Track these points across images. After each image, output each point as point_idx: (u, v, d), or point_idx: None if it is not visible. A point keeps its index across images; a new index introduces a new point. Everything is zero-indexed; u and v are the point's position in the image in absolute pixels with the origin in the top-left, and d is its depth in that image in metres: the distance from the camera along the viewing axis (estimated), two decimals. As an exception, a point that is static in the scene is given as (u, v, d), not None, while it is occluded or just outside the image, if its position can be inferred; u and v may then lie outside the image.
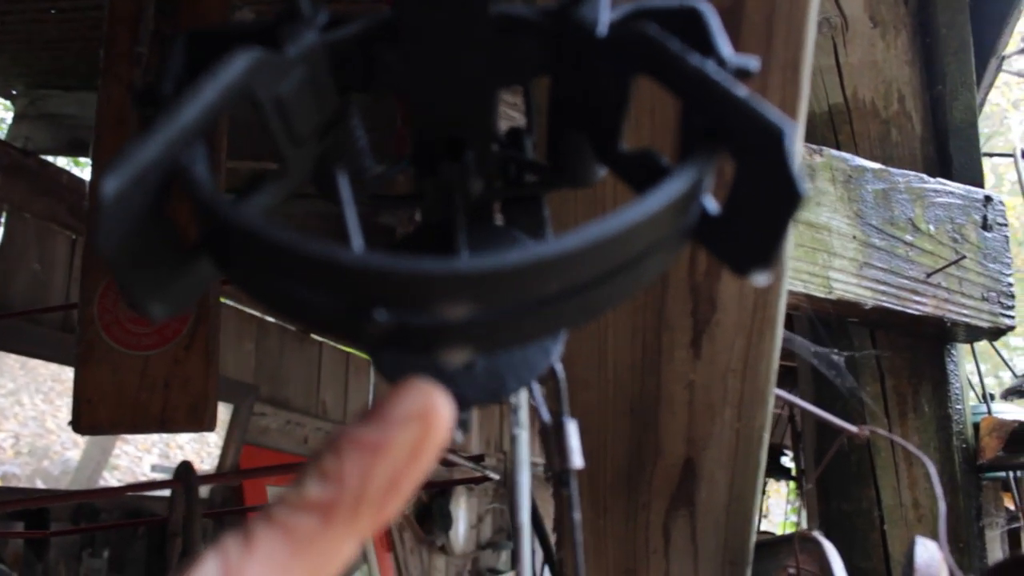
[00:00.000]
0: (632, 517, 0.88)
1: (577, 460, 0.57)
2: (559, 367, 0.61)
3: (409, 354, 0.47)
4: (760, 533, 1.25)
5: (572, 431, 0.59)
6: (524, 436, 0.64)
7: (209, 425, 1.24)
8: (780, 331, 0.77)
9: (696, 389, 0.79)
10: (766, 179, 0.36)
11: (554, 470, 0.57)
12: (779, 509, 4.96)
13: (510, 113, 0.93)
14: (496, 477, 1.13)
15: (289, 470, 1.18)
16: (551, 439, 0.58)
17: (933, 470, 0.81)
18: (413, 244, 0.54)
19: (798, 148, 0.78)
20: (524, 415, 0.64)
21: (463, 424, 0.61)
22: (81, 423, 1.20)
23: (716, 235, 0.40)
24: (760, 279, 0.40)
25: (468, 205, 0.54)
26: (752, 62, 0.43)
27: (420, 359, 0.47)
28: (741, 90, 0.37)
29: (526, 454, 0.64)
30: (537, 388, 0.61)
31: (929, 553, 0.81)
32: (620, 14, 0.45)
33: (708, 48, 0.43)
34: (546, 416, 0.60)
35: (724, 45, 0.42)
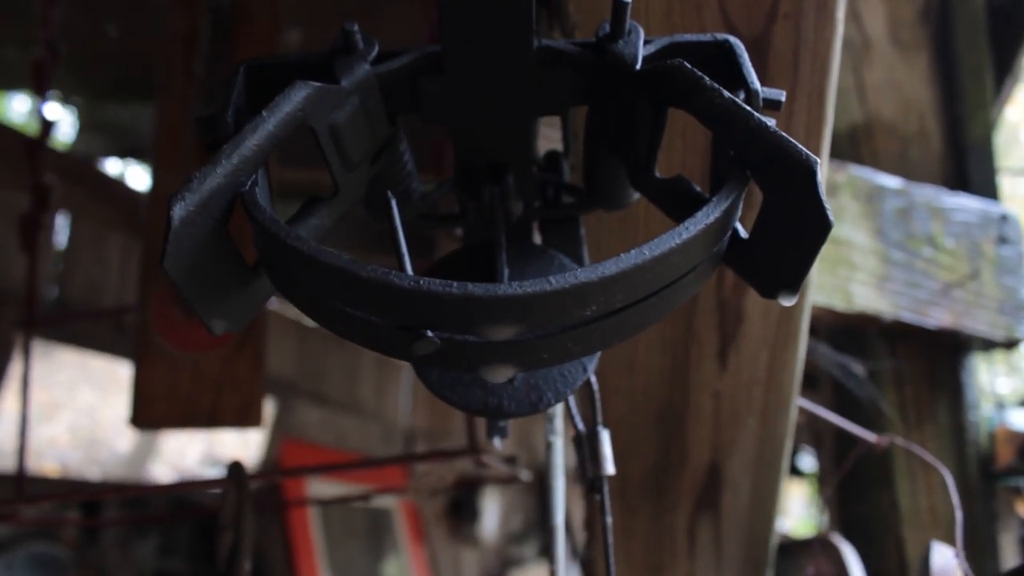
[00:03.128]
0: (659, 519, 0.94)
1: (609, 467, 0.64)
2: (594, 379, 0.67)
3: (454, 371, 0.53)
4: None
5: (605, 439, 0.65)
6: (559, 443, 0.70)
7: (257, 422, 1.31)
8: (804, 344, 0.83)
9: (722, 398, 0.85)
10: (795, 208, 0.42)
11: (587, 476, 0.63)
12: (796, 508, 4.98)
13: (546, 131, 0.99)
14: (527, 477, 1.19)
15: (332, 469, 1.25)
16: (585, 446, 0.65)
17: (950, 479, 0.86)
18: (457, 263, 0.60)
19: (824, 167, 0.83)
20: (559, 423, 0.71)
21: (501, 431, 0.67)
22: (138, 419, 1.28)
23: (745, 258, 0.45)
24: (787, 301, 0.46)
25: (509, 226, 0.59)
26: (780, 94, 0.48)
27: (466, 374, 0.53)
28: (772, 124, 0.42)
29: (561, 460, 0.70)
30: (572, 398, 0.68)
31: (944, 559, 0.86)
32: (655, 48, 0.50)
33: (739, 80, 0.48)
34: (581, 425, 0.67)
35: (753, 78, 0.48)
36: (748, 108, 0.43)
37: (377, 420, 3.93)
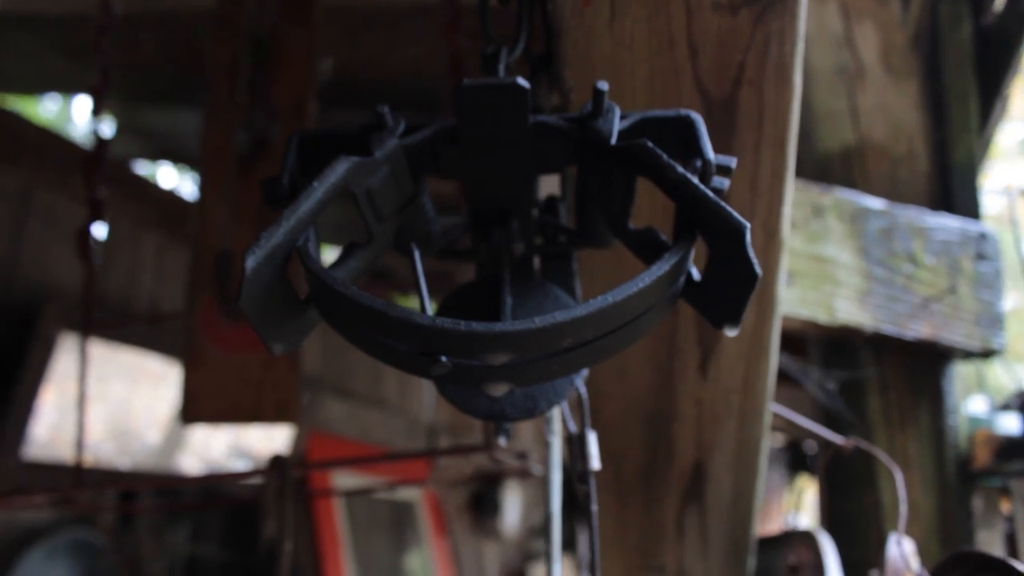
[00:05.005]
0: (650, 510, 1.05)
1: (595, 463, 0.75)
2: (583, 389, 0.79)
3: (464, 386, 0.65)
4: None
5: (592, 440, 0.76)
6: (556, 442, 0.82)
7: (294, 418, 1.44)
8: (775, 356, 0.93)
9: (704, 404, 0.96)
10: (732, 261, 0.53)
11: (576, 471, 0.74)
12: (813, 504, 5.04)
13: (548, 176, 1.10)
14: (540, 472, 1.30)
15: (361, 461, 1.37)
16: (575, 446, 0.76)
17: (900, 478, 0.97)
18: (470, 293, 0.72)
19: (787, 206, 0.92)
20: (557, 425, 0.82)
21: (505, 432, 0.79)
22: (187, 415, 1.41)
23: (698, 295, 0.57)
24: (730, 332, 0.57)
25: (513, 262, 0.71)
26: (731, 161, 0.59)
27: (473, 389, 0.65)
28: (712, 195, 0.53)
29: (558, 456, 0.82)
30: (565, 405, 0.79)
31: (900, 548, 0.97)
32: (629, 122, 0.61)
33: (697, 150, 0.59)
34: (572, 427, 0.78)
35: (708, 149, 0.59)
36: (695, 182, 0.54)
37: (401, 414, 4.05)
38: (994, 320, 1.32)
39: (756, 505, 1.03)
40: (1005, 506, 1.55)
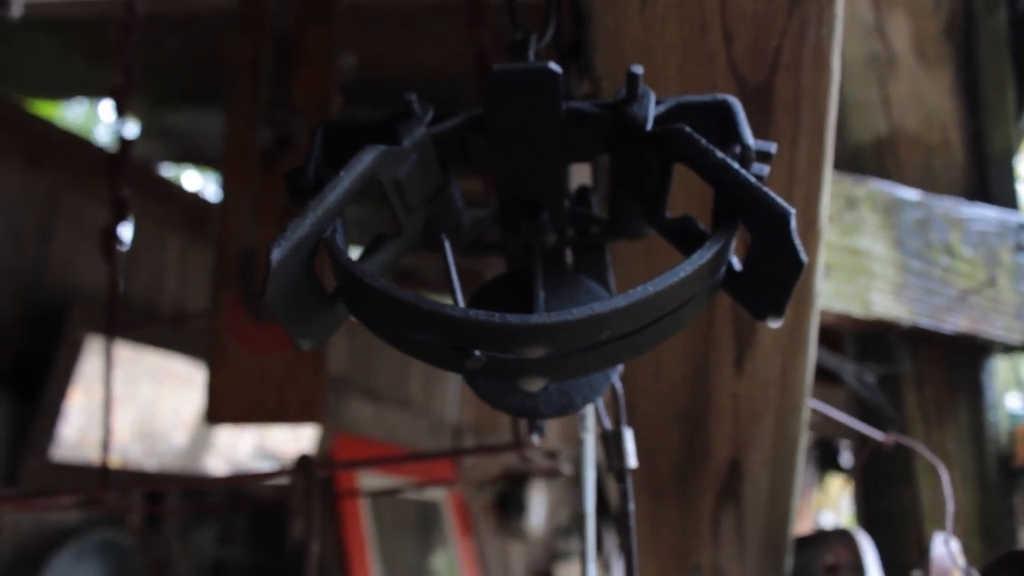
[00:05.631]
0: (685, 508, 1.02)
1: (632, 461, 0.73)
2: (619, 385, 0.77)
3: (498, 381, 0.63)
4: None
5: (628, 437, 0.74)
6: (590, 439, 0.80)
7: (319, 418, 1.42)
8: (813, 350, 0.91)
9: (740, 400, 0.94)
10: (775, 248, 0.50)
11: (612, 469, 0.72)
12: (844, 503, 5.01)
13: (579, 165, 1.08)
14: (569, 471, 1.28)
15: (388, 462, 1.35)
16: (611, 443, 0.74)
17: (946, 477, 0.94)
18: (501, 286, 0.70)
19: (826, 196, 0.91)
20: (591, 422, 0.80)
21: (539, 430, 0.77)
22: (212, 415, 1.40)
23: (739, 286, 0.55)
24: (773, 324, 0.54)
25: (544, 255, 0.69)
26: (771, 146, 0.57)
27: (506, 384, 0.63)
28: (753, 179, 0.51)
29: (592, 454, 0.80)
30: (600, 401, 0.77)
31: (945, 548, 0.94)
32: (665, 108, 0.59)
33: (736, 136, 0.57)
34: (607, 424, 0.76)
35: (747, 134, 0.57)
36: (736, 167, 0.52)
37: (426, 415, 4.04)
38: (1035, 313, 1.29)
39: (794, 503, 1.01)
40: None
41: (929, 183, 1.40)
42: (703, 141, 0.53)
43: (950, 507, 0.89)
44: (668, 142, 0.55)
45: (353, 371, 3.54)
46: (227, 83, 1.52)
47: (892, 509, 1.34)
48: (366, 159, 0.54)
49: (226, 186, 1.46)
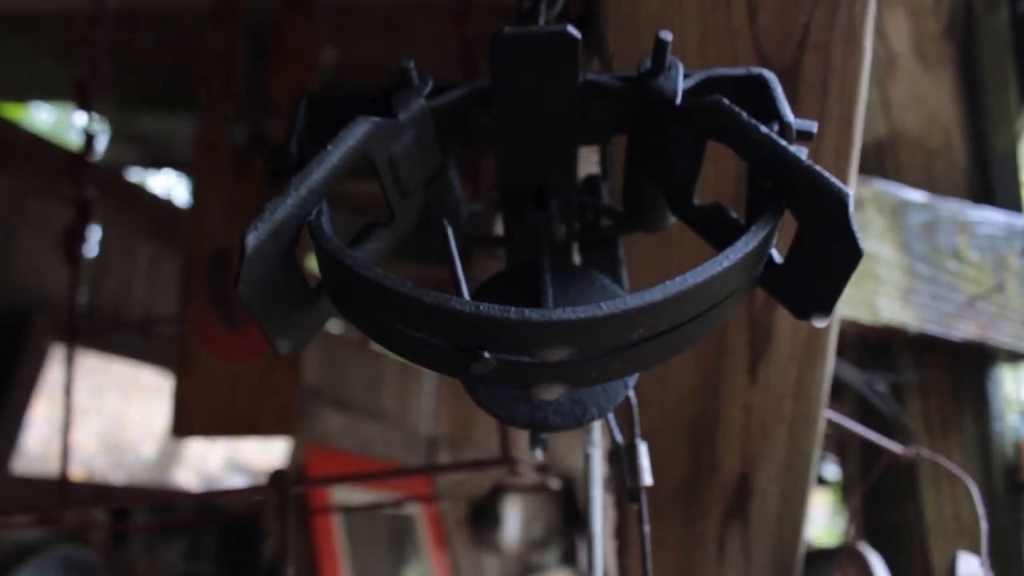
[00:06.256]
0: (689, 527, 0.96)
1: (647, 478, 0.66)
2: (632, 394, 0.70)
3: (505, 388, 0.56)
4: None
5: (643, 451, 0.67)
6: (597, 454, 0.73)
7: (294, 430, 1.35)
8: (832, 358, 0.85)
9: (752, 411, 0.87)
10: (828, 237, 0.44)
11: (626, 486, 0.66)
12: (821, 516, 4.98)
13: (582, 152, 1.02)
14: (557, 486, 1.21)
15: (368, 477, 1.28)
16: (624, 458, 0.67)
17: (975, 490, 0.88)
18: (502, 284, 0.63)
19: (852, 189, 0.86)
20: (597, 435, 0.73)
21: (543, 443, 0.70)
22: (179, 428, 1.32)
23: (779, 282, 0.48)
24: (820, 323, 0.48)
25: (552, 248, 0.62)
26: (812, 126, 0.51)
27: (512, 390, 0.56)
28: (805, 156, 0.45)
29: (599, 471, 0.73)
30: (611, 413, 0.70)
31: (971, 568, 0.88)
32: (693, 81, 0.53)
33: (772, 113, 0.50)
34: (619, 438, 0.69)
35: (787, 111, 0.50)
36: (783, 143, 0.45)
37: (400, 427, 3.96)
38: (1043, 320, 1.24)
39: (805, 521, 0.95)
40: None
41: (931, 186, 1.35)
42: (744, 115, 0.46)
43: (984, 525, 0.84)
44: (702, 117, 0.49)
45: (325, 381, 3.45)
46: (200, 78, 1.45)
47: (895, 524, 1.29)
48: (357, 132, 0.47)
49: (197, 186, 1.38)
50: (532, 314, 0.40)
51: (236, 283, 0.42)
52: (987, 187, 1.37)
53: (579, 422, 0.56)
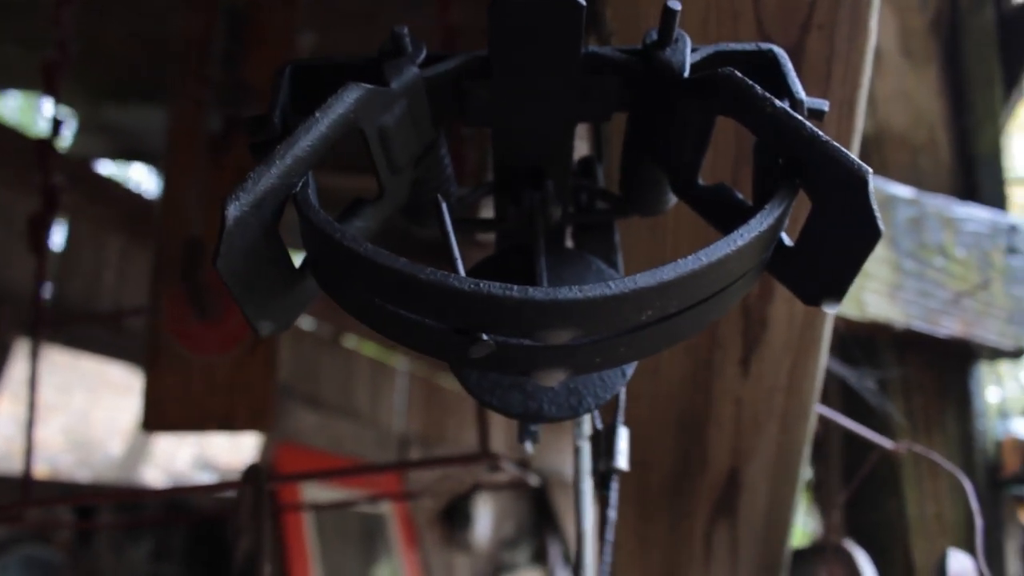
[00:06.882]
0: (676, 525, 0.94)
1: (622, 462, 0.64)
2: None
3: (500, 374, 0.53)
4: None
5: (623, 435, 0.65)
6: (587, 447, 0.70)
7: (269, 426, 1.31)
8: (825, 351, 0.83)
9: (743, 404, 0.85)
10: (846, 217, 0.42)
11: (598, 471, 0.63)
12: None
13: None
14: (537, 482, 1.19)
15: (345, 474, 1.25)
16: (601, 441, 0.65)
17: (969, 487, 0.87)
18: (494, 267, 0.60)
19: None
20: (587, 428, 0.71)
21: (533, 436, 0.68)
22: (149, 422, 1.28)
23: (788, 266, 0.46)
24: (831, 308, 0.46)
25: (547, 231, 0.59)
26: (824, 104, 0.49)
27: (505, 378, 0.53)
28: (823, 134, 0.42)
29: (587, 464, 0.70)
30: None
31: (962, 565, 0.87)
32: (700, 56, 0.50)
33: (783, 90, 0.48)
34: (599, 423, 0.67)
35: (798, 88, 0.48)
36: (800, 117, 0.43)
37: (372, 425, 3.92)
38: (1026, 317, 1.24)
39: (793, 518, 0.93)
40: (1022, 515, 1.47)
41: (916, 182, 1.34)
42: (758, 88, 0.44)
43: (979, 522, 0.82)
44: (711, 91, 0.46)
45: (296, 378, 3.41)
46: (172, 64, 1.41)
47: (877, 521, 1.28)
48: (347, 98, 0.44)
49: (170, 173, 1.34)
50: (536, 292, 0.38)
51: (215, 259, 0.39)
52: (971, 184, 1.36)
53: (575, 412, 0.53)
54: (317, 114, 0.43)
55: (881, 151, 1.38)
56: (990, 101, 1.37)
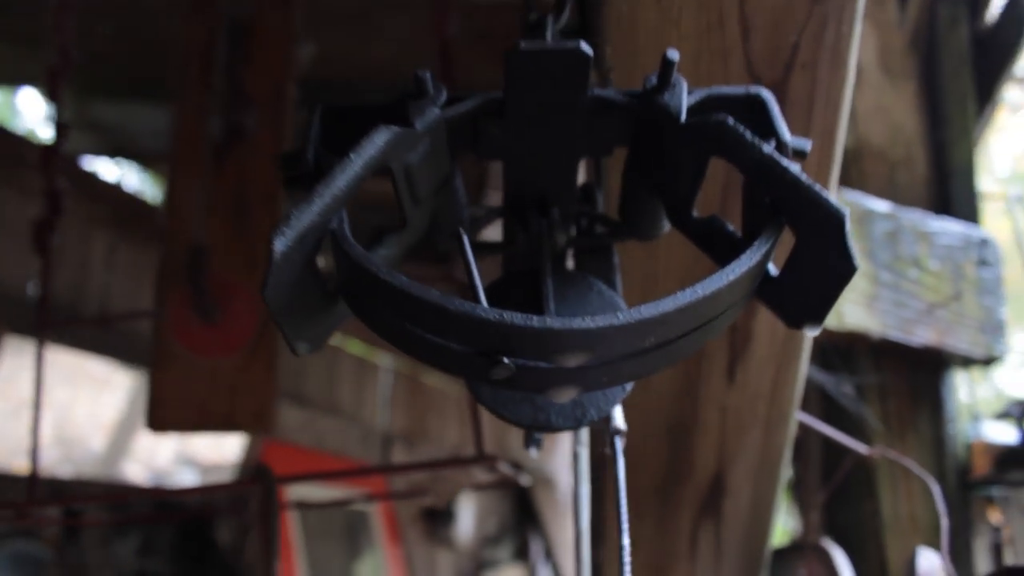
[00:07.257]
0: (663, 524, 0.99)
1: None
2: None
3: (526, 391, 0.57)
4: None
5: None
6: (585, 454, 0.75)
7: (272, 427, 1.35)
8: (806, 361, 0.88)
9: (728, 412, 0.90)
10: (824, 252, 0.47)
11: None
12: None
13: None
14: (529, 483, 1.23)
15: (345, 475, 1.29)
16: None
17: (937, 489, 0.93)
18: (502, 290, 0.65)
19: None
20: (585, 435, 0.75)
21: (537, 443, 0.72)
22: (154, 422, 1.32)
23: (774, 293, 0.51)
24: (812, 332, 0.51)
25: (553, 255, 0.64)
26: (807, 144, 0.54)
27: (516, 392, 0.58)
28: (806, 177, 0.47)
29: (587, 469, 0.75)
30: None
31: (930, 563, 0.92)
32: (695, 99, 0.55)
33: (769, 131, 0.53)
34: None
35: (784, 130, 0.53)
36: (785, 162, 0.48)
37: (356, 422, 3.95)
38: (996, 327, 1.30)
39: (774, 518, 0.98)
40: (993, 515, 1.53)
41: (892, 196, 1.40)
42: (749, 134, 0.49)
43: (944, 522, 0.88)
44: (706, 135, 0.51)
45: (281, 376, 3.43)
46: (170, 72, 1.45)
47: (852, 522, 1.34)
48: (379, 140, 0.49)
49: (173, 179, 1.38)
50: (553, 322, 0.42)
51: (263, 288, 0.43)
52: (945, 198, 1.42)
53: (580, 423, 0.58)
54: (352, 155, 0.48)
55: (860, 164, 1.43)
56: (964, 116, 1.43)
